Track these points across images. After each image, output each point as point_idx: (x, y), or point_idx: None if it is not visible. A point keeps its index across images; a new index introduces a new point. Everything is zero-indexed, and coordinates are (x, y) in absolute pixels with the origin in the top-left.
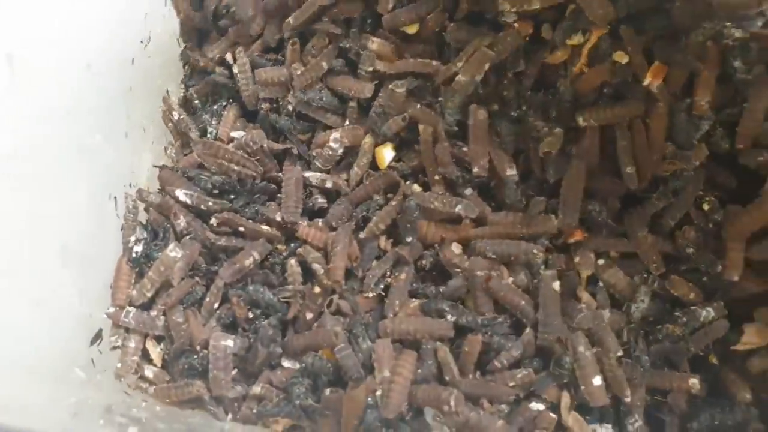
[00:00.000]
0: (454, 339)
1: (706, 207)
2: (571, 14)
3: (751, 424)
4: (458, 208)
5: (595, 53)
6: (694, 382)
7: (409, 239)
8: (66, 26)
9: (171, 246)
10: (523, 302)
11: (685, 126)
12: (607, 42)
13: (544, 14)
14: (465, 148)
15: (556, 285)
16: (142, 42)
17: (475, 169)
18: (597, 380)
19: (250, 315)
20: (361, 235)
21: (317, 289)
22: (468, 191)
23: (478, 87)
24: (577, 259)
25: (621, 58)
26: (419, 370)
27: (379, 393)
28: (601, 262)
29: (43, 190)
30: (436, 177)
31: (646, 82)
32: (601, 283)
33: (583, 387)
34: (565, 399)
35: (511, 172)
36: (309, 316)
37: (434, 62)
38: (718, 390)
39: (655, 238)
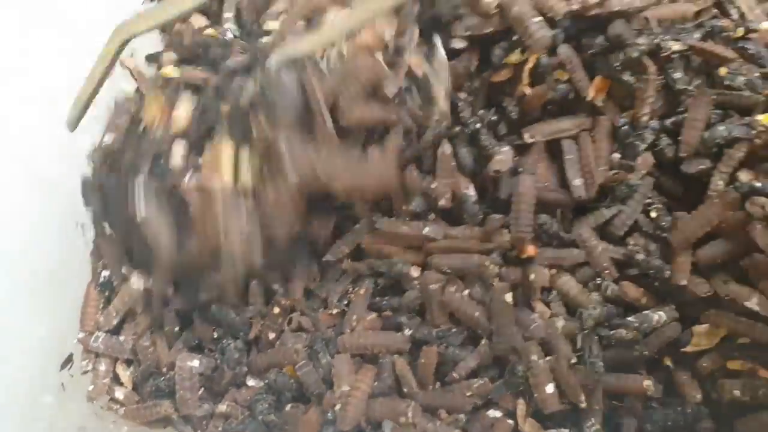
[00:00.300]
0: (413, 351)
1: (653, 214)
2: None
3: (701, 423)
4: (426, 231)
5: (536, 72)
6: (648, 384)
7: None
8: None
9: (133, 277)
10: (478, 314)
11: (630, 137)
12: (547, 61)
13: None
14: (433, 184)
15: (508, 297)
16: None
17: (442, 202)
18: (550, 388)
19: (215, 335)
20: (326, 258)
21: (276, 309)
22: (431, 216)
23: None
24: (532, 276)
25: (562, 75)
26: (378, 384)
27: (338, 407)
28: (554, 271)
29: (10, 220)
30: (404, 207)
31: (589, 97)
32: (555, 292)
33: (536, 395)
34: (521, 406)
35: (469, 192)
36: (271, 336)
37: None
38: (673, 391)
39: (606, 246)
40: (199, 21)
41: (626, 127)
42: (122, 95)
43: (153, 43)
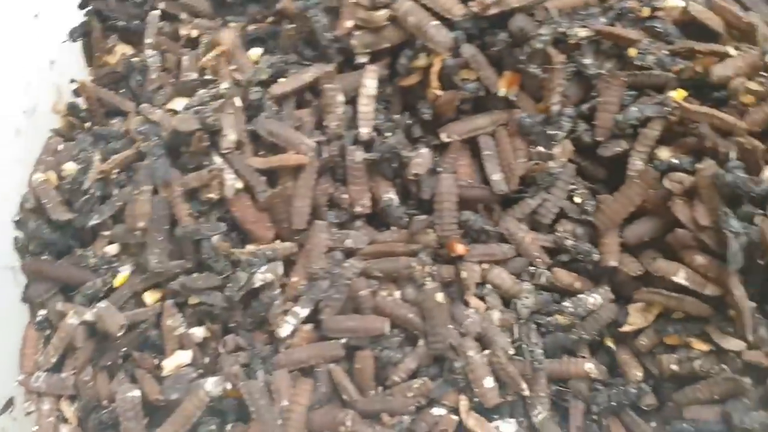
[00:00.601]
0: (350, 358)
1: (578, 199)
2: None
3: (644, 399)
4: (347, 242)
5: (444, 74)
6: (590, 366)
7: None
8: None
9: (69, 314)
10: (411, 315)
11: (546, 126)
12: (452, 62)
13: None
14: (345, 195)
15: (440, 296)
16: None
17: (357, 209)
18: (488, 381)
19: (156, 362)
20: None
21: (207, 333)
22: (357, 223)
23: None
24: (463, 274)
25: (469, 75)
26: (317, 395)
27: (279, 422)
28: (485, 266)
29: None
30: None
31: (501, 93)
32: (489, 285)
33: (476, 389)
34: (463, 402)
35: (391, 195)
36: (206, 360)
37: None
38: (617, 371)
39: (534, 236)
40: (124, 48)
41: (540, 117)
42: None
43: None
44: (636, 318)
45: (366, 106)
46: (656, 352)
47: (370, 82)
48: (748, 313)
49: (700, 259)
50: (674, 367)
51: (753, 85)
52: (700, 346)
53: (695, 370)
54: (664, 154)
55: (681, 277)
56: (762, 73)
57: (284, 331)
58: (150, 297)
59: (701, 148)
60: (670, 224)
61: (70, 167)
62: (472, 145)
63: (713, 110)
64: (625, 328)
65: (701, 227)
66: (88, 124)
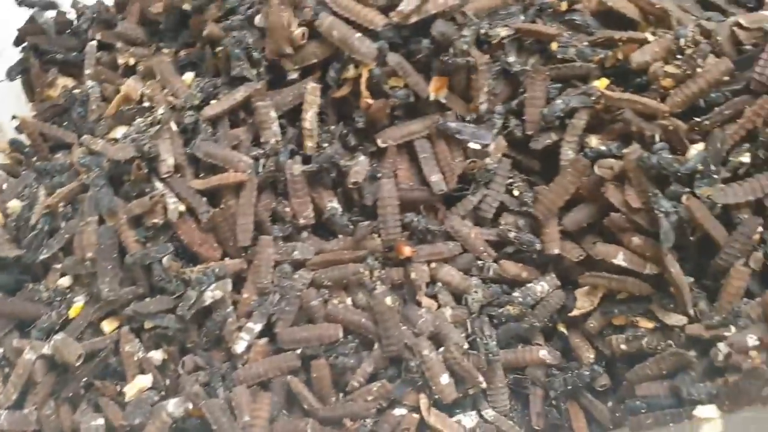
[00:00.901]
0: (308, 368)
1: (516, 192)
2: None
3: (598, 381)
4: (295, 254)
5: (373, 84)
6: (544, 353)
7: None
8: None
9: (26, 350)
10: (363, 320)
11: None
12: (379, 71)
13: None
14: (287, 208)
15: (389, 300)
16: None
17: (301, 221)
18: (445, 378)
19: (118, 388)
20: None
21: (165, 355)
22: (303, 235)
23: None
24: (412, 275)
25: (397, 82)
26: (277, 407)
27: None
28: (434, 265)
29: None
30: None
31: (431, 97)
32: (439, 284)
33: (434, 387)
34: (423, 400)
35: (333, 204)
36: (167, 382)
37: None
38: (571, 355)
39: (478, 231)
40: (64, 81)
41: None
42: None
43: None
44: (583, 302)
45: (310, 123)
46: (606, 334)
47: (312, 99)
48: (686, 289)
49: (636, 240)
50: (623, 346)
51: (671, 69)
52: (646, 324)
53: (643, 347)
54: (593, 141)
55: (620, 259)
56: (678, 56)
57: (240, 347)
58: (108, 326)
59: (628, 133)
60: (606, 209)
61: (15, 204)
62: (408, 149)
63: (635, 96)
64: (574, 313)
65: (634, 209)
66: (33, 159)
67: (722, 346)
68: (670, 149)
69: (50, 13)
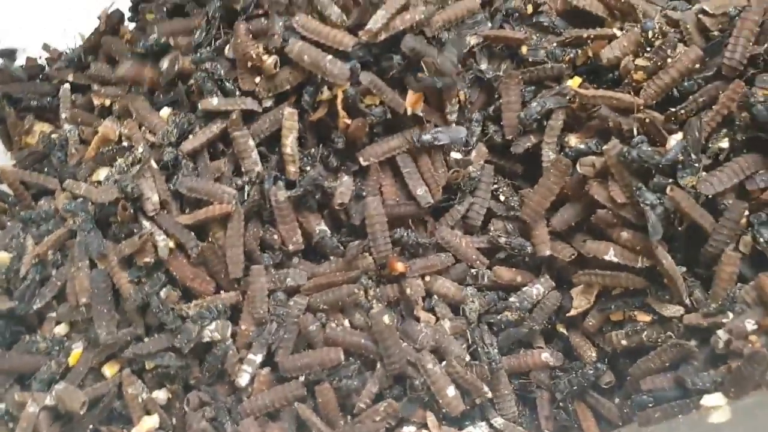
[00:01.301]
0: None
1: (502, 197)
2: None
3: (603, 379)
4: (288, 281)
5: (349, 104)
6: (546, 356)
7: None
8: None
9: (29, 402)
10: (363, 340)
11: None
12: (353, 91)
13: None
14: (275, 235)
15: (386, 318)
16: None
17: (291, 247)
18: (451, 391)
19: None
20: None
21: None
22: (294, 261)
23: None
24: (408, 291)
25: (373, 100)
26: None
27: None
28: (428, 278)
29: None
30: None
31: (408, 112)
32: (435, 296)
33: (440, 400)
34: (430, 417)
35: (321, 227)
36: (173, 420)
37: None
38: (573, 355)
39: (468, 239)
40: (41, 127)
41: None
42: None
43: None
44: (579, 301)
45: (291, 148)
46: (605, 331)
47: (291, 124)
48: (680, 279)
49: (625, 235)
50: (624, 341)
51: (641, 62)
52: (644, 317)
53: (644, 341)
54: (572, 140)
55: (611, 255)
56: (647, 48)
57: (243, 380)
58: (109, 370)
59: (606, 129)
60: (592, 206)
61: (3, 256)
62: (391, 164)
63: (608, 92)
64: (572, 313)
65: (619, 205)
66: (17, 208)
67: (721, 333)
68: (648, 141)
69: (20, 60)
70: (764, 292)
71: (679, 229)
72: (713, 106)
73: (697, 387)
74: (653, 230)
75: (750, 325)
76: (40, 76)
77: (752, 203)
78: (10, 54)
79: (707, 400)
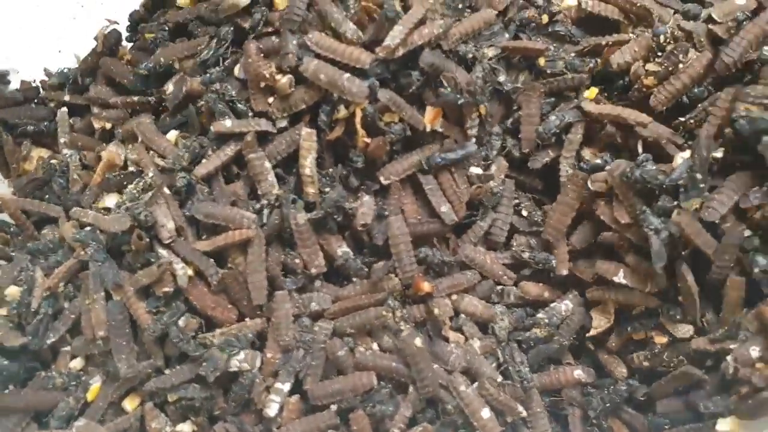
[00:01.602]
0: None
1: (525, 212)
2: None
3: (637, 393)
4: (312, 306)
5: (368, 122)
6: (579, 373)
7: None
8: None
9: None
10: (394, 364)
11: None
12: (372, 109)
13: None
14: (297, 259)
15: (418, 341)
16: None
17: (313, 270)
18: (485, 412)
19: None
20: None
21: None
22: (317, 284)
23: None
24: (435, 311)
25: (392, 118)
26: None
27: None
28: (455, 297)
29: None
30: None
31: (428, 128)
32: (463, 315)
33: (475, 423)
34: None
35: (343, 250)
36: None
37: None
38: (603, 370)
39: (493, 256)
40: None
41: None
42: None
43: None
44: (599, 321)
45: (310, 169)
46: (628, 350)
47: (309, 144)
48: (697, 298)
49: (632, 258)
50: (646, 363)
51: (652, 67)
52: (660, 339)
53: (664, 363)
54: (588, 154)
55: (620, 276)
56: (658, 53)
57: (272, 410)
58: (130, 404)
59: (617, 143)
60: (604, 225)
61: (13, 291)
62: (411, 182)
63: (617, 108)
64: (592, 332)
65: (624, 226)
66: (20, 238)
67: (730, 359)
68: (654, 159)
69: (15, 84)
70: (765, 323)
71: (683, 253)
72: (708, 118)
73: (710, 411)
74: (656, 258)
75: (755, 352)
76: (36, 100)
77: (748, 221)
78: (2, 77)
79: (722, 424)
